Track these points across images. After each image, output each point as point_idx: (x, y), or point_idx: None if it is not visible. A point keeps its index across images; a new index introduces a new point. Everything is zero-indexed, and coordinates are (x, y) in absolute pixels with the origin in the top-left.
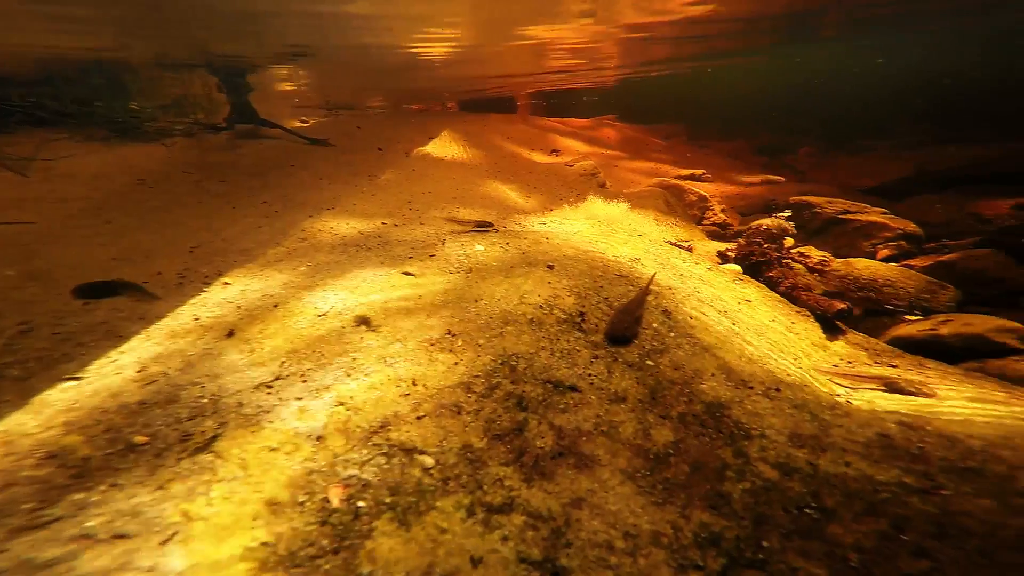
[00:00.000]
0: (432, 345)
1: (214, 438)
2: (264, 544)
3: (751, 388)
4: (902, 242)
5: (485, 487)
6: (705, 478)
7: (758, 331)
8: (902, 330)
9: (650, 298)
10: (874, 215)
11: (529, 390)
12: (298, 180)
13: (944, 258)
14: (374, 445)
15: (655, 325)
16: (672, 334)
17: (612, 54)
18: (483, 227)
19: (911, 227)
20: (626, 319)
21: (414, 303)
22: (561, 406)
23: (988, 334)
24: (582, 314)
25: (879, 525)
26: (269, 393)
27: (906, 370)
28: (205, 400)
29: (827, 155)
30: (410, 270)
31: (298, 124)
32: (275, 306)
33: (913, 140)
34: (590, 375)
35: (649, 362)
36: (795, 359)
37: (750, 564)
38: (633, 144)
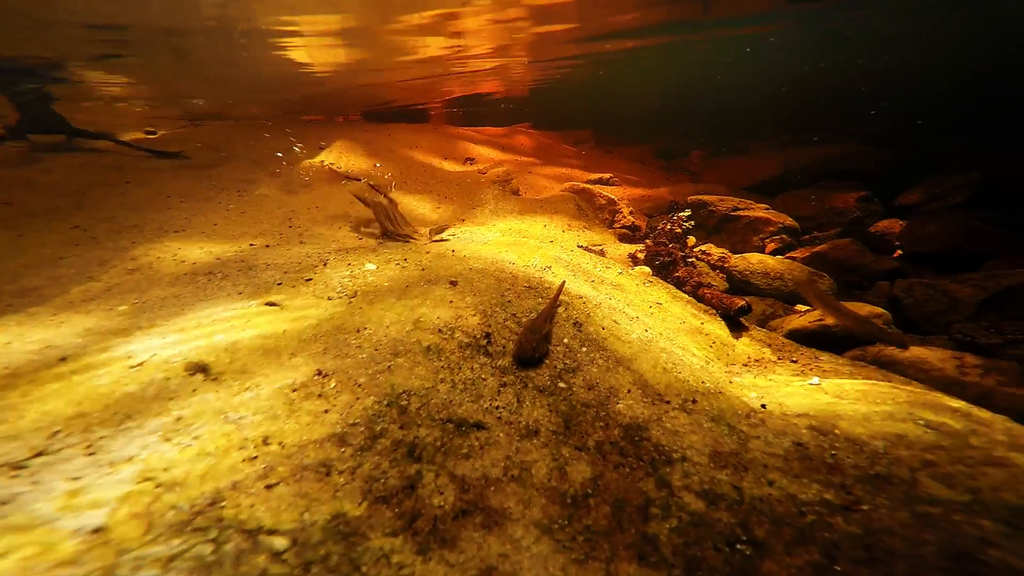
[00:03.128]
0: (295, 391)
1: None
2: None
3: (668, 403)
4: (784, 235)
5: (365, 568)
6: (629, 519)
7: (670, 335)
8: (795, 322)
9: (561, 310)
10: (759, 211)
11: (424, 435)
12: (133, 199)
13: (817, 249)
14: (195, 530)
15: (566, 340)
16: (584, 349)
17: (518, 45)
18: (441, 231)
19: (789, 221)
20: (534, 337)
21: (275, 340)
22: (464, 450)
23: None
24: (488, 335)
25: (811, 555)
26: (15, 476)
27: (805, 364)
28: None
29: (715, 157)
30: (275, 299)
31: (142, 135)
32: (62, 360)
33: (779, 141)
34: (498, 407)
35: (561, 384)
36: (707, 361)
37: None
38: (546, 150)
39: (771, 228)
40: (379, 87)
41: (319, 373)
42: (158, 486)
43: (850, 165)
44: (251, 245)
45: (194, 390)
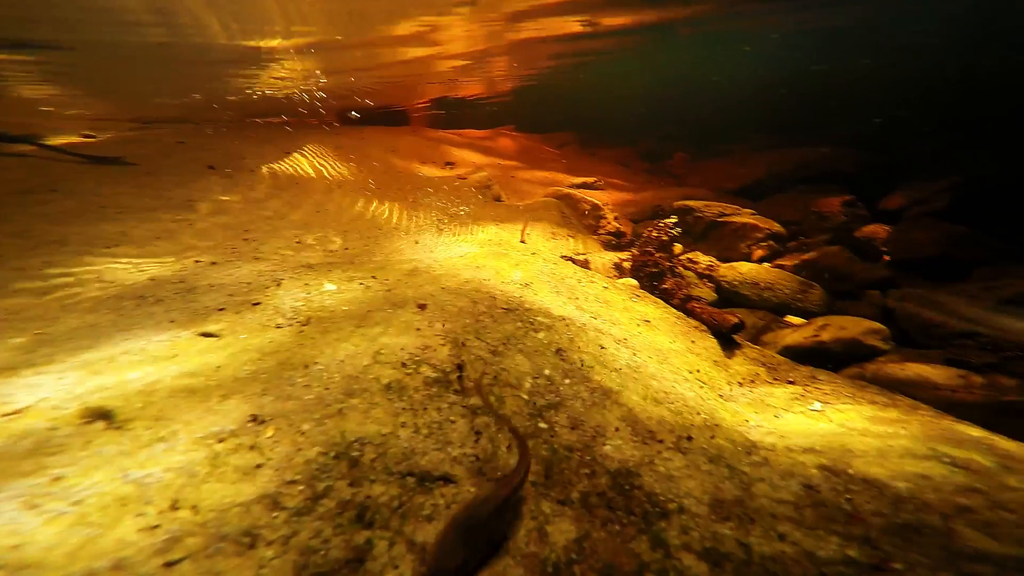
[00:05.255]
0: (221, 442)
1: None
2: None
3: (661, 442)
4: (771, 242)
5: None
6: None
7: (660, 358)
8: (790, 338)
9: (542, 335)
10: (746, 216)
11: (379, 492)
12: (57, 211)
13: (806, 256)
14: None
15: (547, 371)
16: (568, 381)
17: (499, 53)
18: None
19: (776, 227)
20: (460, 541)
21: (205, 379)
22: (427, 511)
23: (860, 337)
24: (460, 367)
25: None
26: None
27: (803, 386)
28: None
29: (698, 160)
30: (213, 329)
31: (78, 139)
32: None
33: (759, 143)
34: (468, 455)
35: (542, 424)
36: (700, 386)
37: None
38: (529, 153)
39: (758, 234)
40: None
41: (254, 419)
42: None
43: (831, 168)
44: (196, 262)
45: (88, 442)
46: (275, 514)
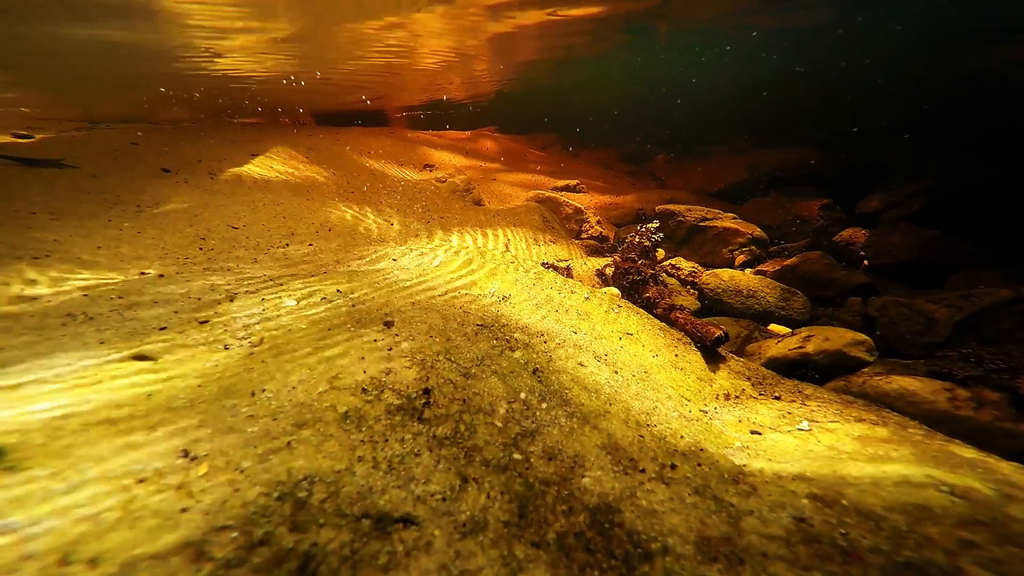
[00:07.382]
0: (141, 482)
1: None
2: None
3: (643, 471)
4: (753, 247)
5: None
6: None
7: (643, 374)
8: (774, 350)
9: (519, 353)
10: (727, 220)
11: (327, 539)
12: None
13: (788, 262)
14: None
15: (523, 395)
16: (545, 405)
17: (480, 54)
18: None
19: (757, 232)
20: None
21: (131, 409)
22: (383, 559)
23: (845, 349)
24: (427, 392)
25: None
26: None
27: (789, 402)
28: None
29: (679, 162)
30: (150, 351)
31: (8, 139)
32: None
33: (739, 146)
34: (434, 494)
35: (516, 455)
36: (683, 404)
37: None
38: (512, 155)
39: (740, 239)
40: (328, 88)
41: (185, 455)
42: None
43: (810, 170)
44: (141, 275)
45: None
46: (198, 567)
